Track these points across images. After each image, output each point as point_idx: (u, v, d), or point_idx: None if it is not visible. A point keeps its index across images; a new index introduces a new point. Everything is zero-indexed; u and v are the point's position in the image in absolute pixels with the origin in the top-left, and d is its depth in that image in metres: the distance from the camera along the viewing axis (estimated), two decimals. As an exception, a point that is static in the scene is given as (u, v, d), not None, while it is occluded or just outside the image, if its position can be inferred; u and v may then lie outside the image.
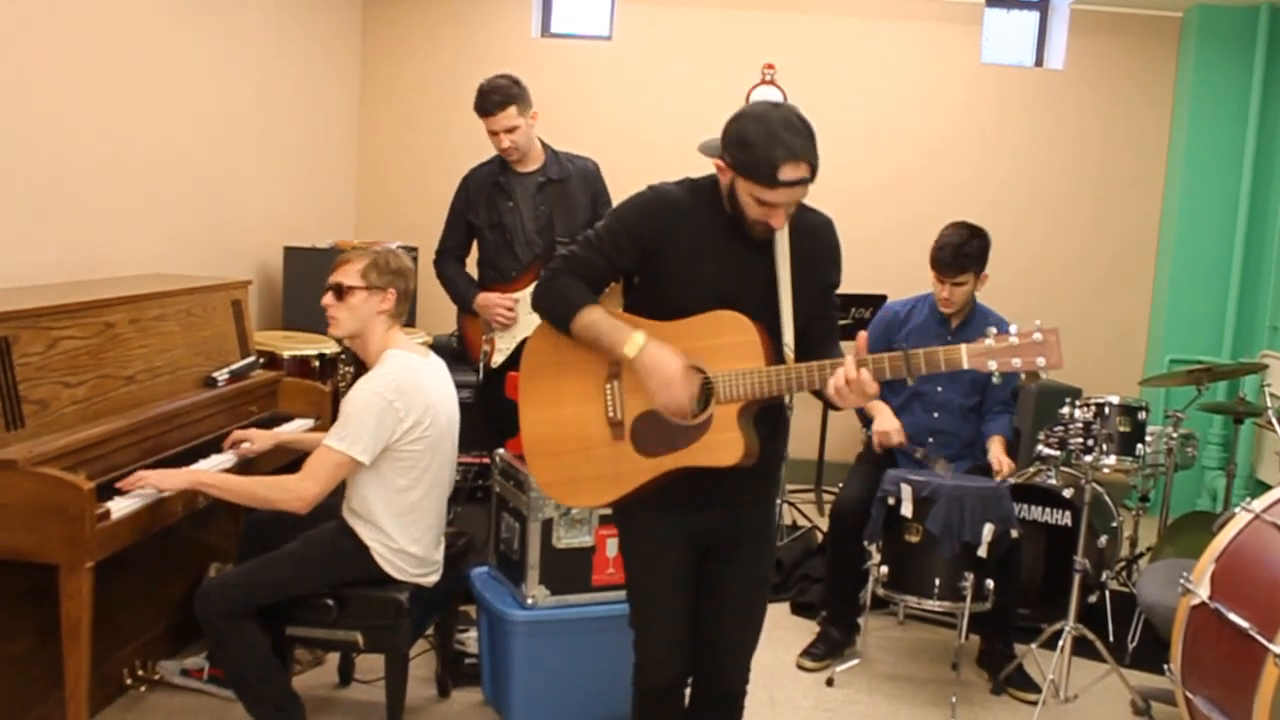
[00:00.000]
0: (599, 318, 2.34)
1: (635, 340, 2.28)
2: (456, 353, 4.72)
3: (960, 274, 3.85)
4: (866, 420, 4.06)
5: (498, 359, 3.98)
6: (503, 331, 3.97)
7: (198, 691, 3.39)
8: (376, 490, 2.92)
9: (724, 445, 2.25)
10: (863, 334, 2.28)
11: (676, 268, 2.33)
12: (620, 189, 4.08)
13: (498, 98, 3.88)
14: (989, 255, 3.92)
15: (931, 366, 2.16)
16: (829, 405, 2.33)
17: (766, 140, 2.16)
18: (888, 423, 3.90)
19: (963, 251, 3.84)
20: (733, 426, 2.24)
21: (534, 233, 4.01)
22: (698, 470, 2.29)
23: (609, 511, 3.18)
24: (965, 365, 2.14)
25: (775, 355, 2.28)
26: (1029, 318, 2.22)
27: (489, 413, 3.96)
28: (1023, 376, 2.19)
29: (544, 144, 4.10)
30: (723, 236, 2.33)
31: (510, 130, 3.92)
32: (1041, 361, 2.12)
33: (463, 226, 4.15)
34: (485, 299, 3.99)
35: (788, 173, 2.16)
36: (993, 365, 2.14)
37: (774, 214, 2.23)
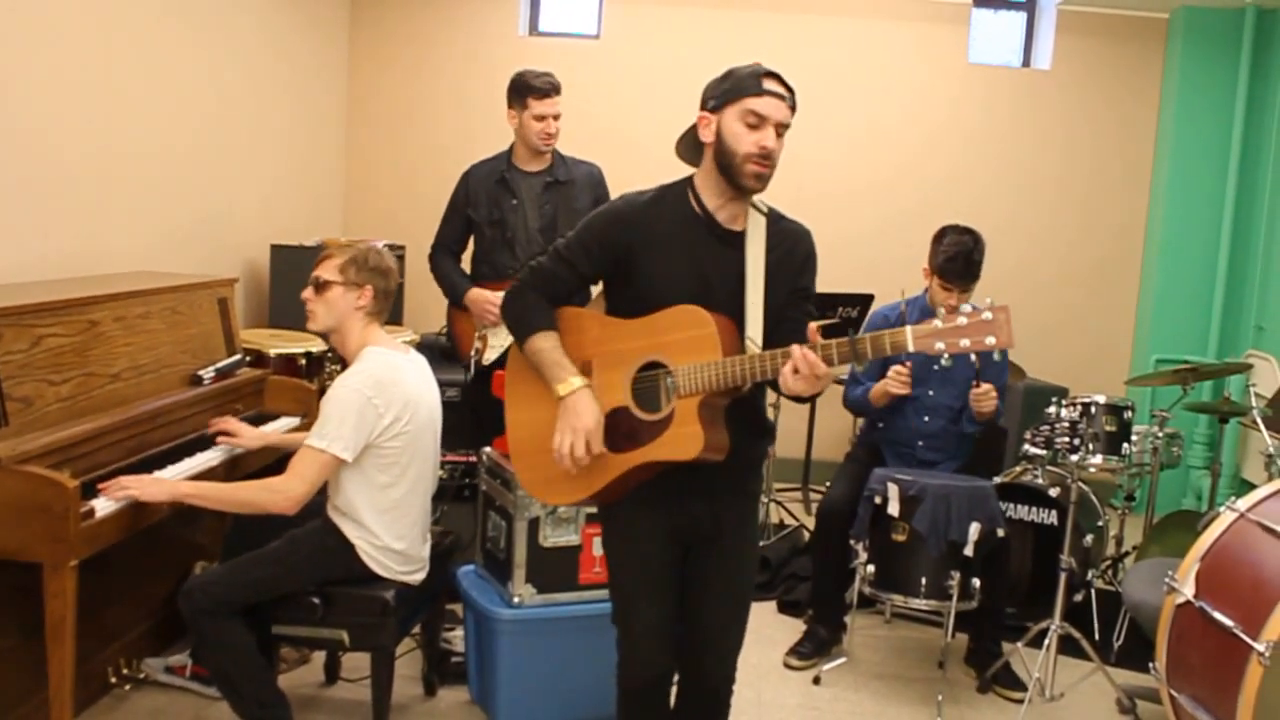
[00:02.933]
0: (547, 348, 2.39)
1: (567, 385, 2.33)
2: (446, 349, 4.72)
3: (973, 282, 3.84)
4: (868, 411, 4.02)
5: (490, 356, 3.97)
6: (495, 329, 3.96)
7: (181, 689, 3.38)
8: (359, 487, 2.91)
9: (684, 439, 2.26)
10: (812, 324, 2.27)
11: (649, 270, 2.35)
12: (609, 188, 4.10)
13: (557, 81, 3.97)
14: None
15: (878, 351, 2.12)
16: (789, 398, 2.33)
17: (747, 66, 2.31)
18: (882, 385, 3.88)
19: (973, 259, 3.81)
20: (693, 420, 2.25)
21: (536, 232, 4.01)
22: (674, 465, 2.29)
23: (596, 510, 3.21)
24: (911, 348, 2.09)
25: (736, 348, 2.28)
26: (1015, 317, 2.14)
27: (479, 411, 3.96)
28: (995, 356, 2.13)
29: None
30: (693, 235, 2.36)
31: (558, 117, 3.97)
32: (991, 340, 2.05)
33: (461, 222, 4.14)
34: (477, 295, 3.96)
35: (771, 83, 2.27)
36: (940, 346, 2.08)
37: (764, 133, 2.26)
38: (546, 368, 2.37)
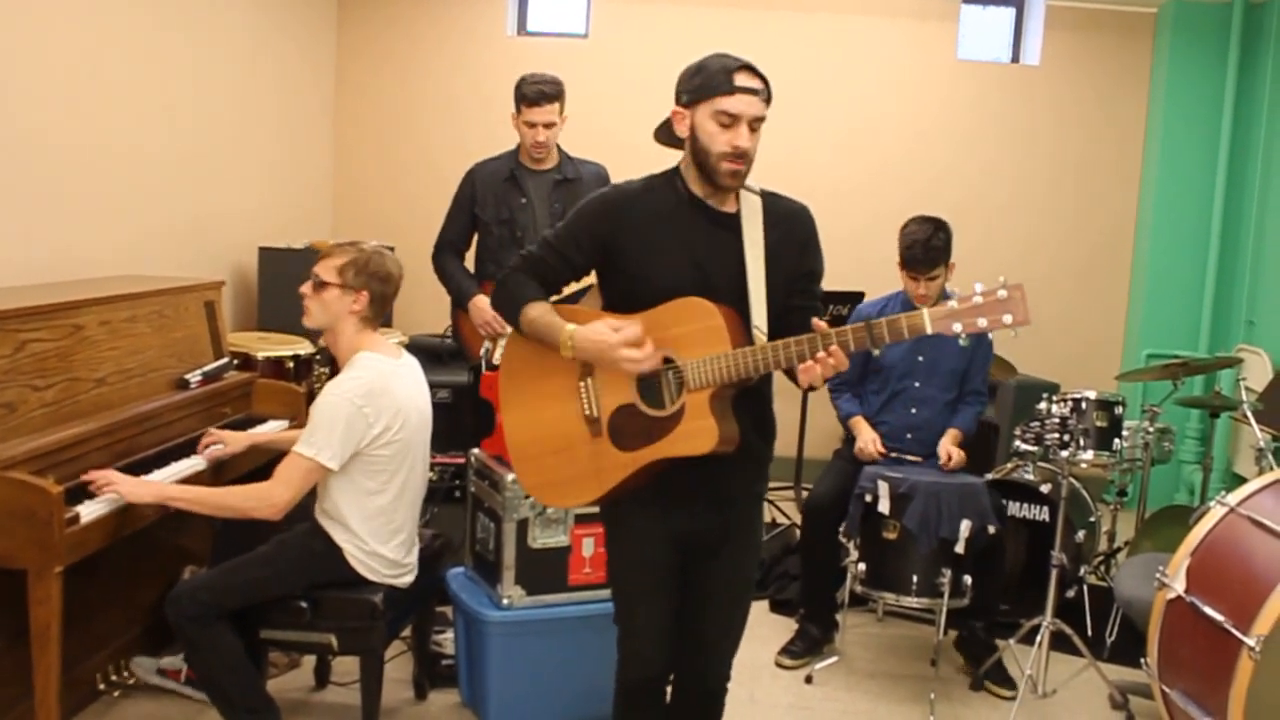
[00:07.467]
0: (538, 314, 2.35)
1: (565, 340, 2.29)
2: (438, 351, 4.70)
3: (933, 269, 3.85)
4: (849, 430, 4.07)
5: (500, 357, 3.92)
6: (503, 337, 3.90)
7: (173, 693, 3.35)
8: (346, 493, 2.90)
9: (698, 434, 2.23)
10: (817, 320, 2.22)
11: (642, 259, 2.32)
12: (596, 186, 4.08)
13: (550, 90, 3.88)
14: (953, 245, 3.92)
15: (895, 334, 2.10)
16: (802, 386, 2.31)
17: (719, 59, 2.26)
18: (865, 437, 3.95)
19: (931, 246, 3.83)
20: (705, 414, 2.22)
21: (546, 230, 3.97)
22: (683, 464, 2.26)
23: (585, 511, 3.20)
24: (929, 330, 2.07)
25: (744, 338, 2.25)
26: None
27: (480, 411, 3.92)
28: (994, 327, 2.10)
29: (558, 146, 4.10)
30: (686, 220, 2.33)
31: (549, 125, 3.91)
32: (1008, 319, 2.04)
33: (466, 220, 4.09)
34: (482, 304, 3.88)
35: (743, 78, 2.22)
36: (958, 327, 2.07)
37: (737, 132, 2.23)
38: (544, 333, 2.33)
